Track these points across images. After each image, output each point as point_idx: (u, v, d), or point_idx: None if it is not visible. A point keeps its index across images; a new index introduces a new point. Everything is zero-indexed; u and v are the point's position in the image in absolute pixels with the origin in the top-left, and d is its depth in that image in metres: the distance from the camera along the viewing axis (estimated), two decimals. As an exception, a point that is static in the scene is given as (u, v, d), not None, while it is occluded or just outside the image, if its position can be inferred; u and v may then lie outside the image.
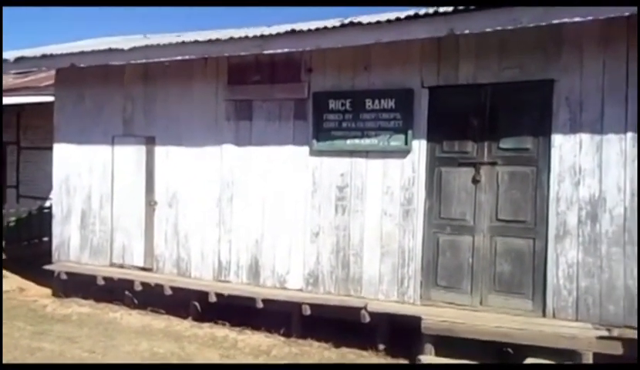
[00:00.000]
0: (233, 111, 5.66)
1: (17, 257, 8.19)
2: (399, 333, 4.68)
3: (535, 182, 4.54)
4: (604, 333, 4.13)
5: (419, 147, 4.88)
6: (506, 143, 4.65)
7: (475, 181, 4.74)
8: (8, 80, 11.02)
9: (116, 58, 5.63)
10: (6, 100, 8.04)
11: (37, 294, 6.84)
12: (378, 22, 4.44)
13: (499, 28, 4.09)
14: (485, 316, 4.49)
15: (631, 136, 4.21)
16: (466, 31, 4.17)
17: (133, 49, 5.47)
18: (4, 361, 4.20)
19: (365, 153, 5.09)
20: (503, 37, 4.42)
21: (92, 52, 5.74)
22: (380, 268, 5.04)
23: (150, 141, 6.11)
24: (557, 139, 4.43)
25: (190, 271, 5.90)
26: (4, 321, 5.40)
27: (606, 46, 4.28)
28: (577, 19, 3.91)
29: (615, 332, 4.14)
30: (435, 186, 4.88)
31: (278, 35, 4.85)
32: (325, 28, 4.63)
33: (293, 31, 4.77)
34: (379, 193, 5.04)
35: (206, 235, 5.81)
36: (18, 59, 6.13)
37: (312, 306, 5.04)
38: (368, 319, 4.78)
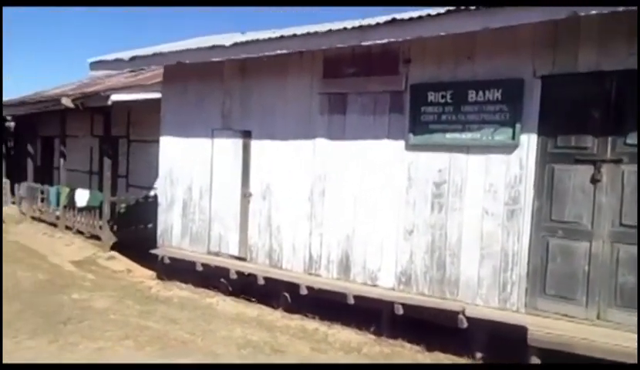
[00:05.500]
0: (327, 104, 5.64)
1: (125, 240, 8.98)
2: (497, 341, 4.34)
3: (671, 183, 3.96)
4: None
5: (528, 142, 4.48)
6: (634, 138, 4.10)
7: (594, 180, 4.24)
8: (120, 79, 12.12)
9: (217, 55, 5.85)
10: (119, 97, 8.78)
11: (142, 275, 7.41)
12: (487, 6, 4.12)
13: (634, 7, 3.60)
14: (604, 332, 4.01)
15: None
16: (593, 12, 3.72)
17: (235, 45, 5.65)
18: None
19: (466, 148, 4.79)
20: (632, 18, 3.89)
21: (197, 49, 6.03)
22: (479, 271, 4.72)
23: (247, 135, 6.29)
24: (701, 133, 3.81)
25: (281, 263, 5.99)
26: (117, 298, 5.91)
27: None
28: None
29: None
30: (546, 185, 4.45)
31: (378, 25, 4.71)
32: (429, 15, 4.41)
33: (393, 21, 4.61)
34: (480, 191, 4.72)
35: (297, 228, 5.86)
36: (133, 58, 6.62)
37: (405, 306, 4.86)
38: (465, 324, 4.51)
